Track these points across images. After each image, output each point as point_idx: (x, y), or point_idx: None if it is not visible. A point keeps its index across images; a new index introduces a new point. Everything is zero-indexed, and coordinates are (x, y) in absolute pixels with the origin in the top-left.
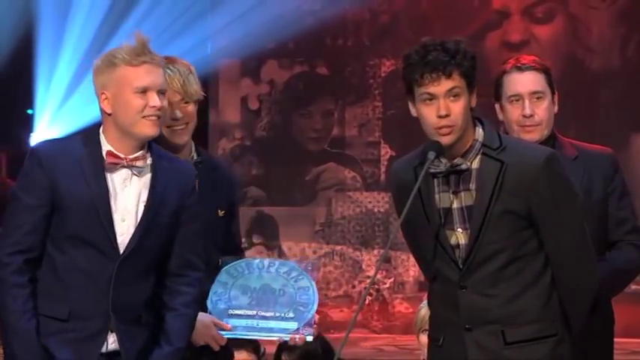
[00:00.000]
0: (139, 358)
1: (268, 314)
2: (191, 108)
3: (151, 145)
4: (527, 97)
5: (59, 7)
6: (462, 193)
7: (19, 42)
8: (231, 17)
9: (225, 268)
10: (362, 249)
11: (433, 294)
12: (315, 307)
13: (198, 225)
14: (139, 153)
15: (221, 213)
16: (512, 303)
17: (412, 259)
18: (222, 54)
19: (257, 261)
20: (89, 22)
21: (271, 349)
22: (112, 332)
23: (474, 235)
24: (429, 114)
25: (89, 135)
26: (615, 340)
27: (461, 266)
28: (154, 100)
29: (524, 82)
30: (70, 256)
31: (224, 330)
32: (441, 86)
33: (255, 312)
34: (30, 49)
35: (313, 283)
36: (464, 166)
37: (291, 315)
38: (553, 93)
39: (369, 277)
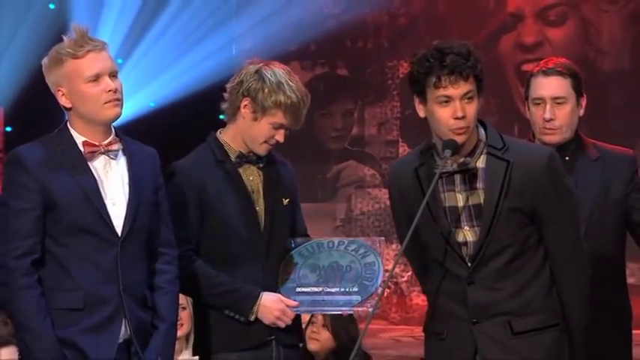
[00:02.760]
0: (146, 344)
1: (334, 289)
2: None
3: (115, 130)
4: (549, 101)
5: (91, 10)
6: (469, 192)
7: (53, 44)
8: (256, 20)
9: (296, 249)
10: None
11: (435, 290)
12: (380, 280)
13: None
14: (111, 138)
15: (285, 202)
16: (517, 295)
17: None
18: (247, 55)
19: (327, 241)
20: (119, 25)
21: None
22: (125, 318)
23: (484, 232)
24: (444, 115)
25: (60, 132)
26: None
27: (469, 263)
28: (108, 84)
29: (547, 86)
30: (71, 249)
31: (291, 306)
32: (460, 89)
33: (321, 289)
34: None
35: (379, 259)
36: (471, 165)
37: (356, 289)
38: (580, 97)
39: (387, 270)
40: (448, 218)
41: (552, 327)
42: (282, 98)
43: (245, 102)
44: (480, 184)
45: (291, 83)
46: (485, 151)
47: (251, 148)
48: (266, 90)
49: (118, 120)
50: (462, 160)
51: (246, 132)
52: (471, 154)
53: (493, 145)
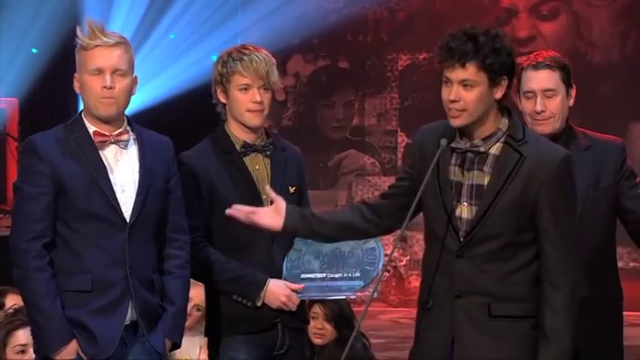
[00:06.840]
0: (153, 326)
1: (337, 275)
2: (269, 96)
3: (129, 120)
4: (540, 93)
5: (102, 6)
6: (475, 172)
7: (65, 40)
8: (260, 15)
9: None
10: None
11: (428, 261)
12: (381, 265)
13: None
14: (122, 128)
15: (292, 190)
16: (502, 281)
17: None
18: None
19: None
20: (128, 21)
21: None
22: (132, 301)
23: (480, 213)
24: (444, 95)
25: (75, 122)
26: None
27: (462, 239)
28: (105, 80)
29: (537, 79)
30: (81, 233)
31: (296, 290)
32: (455, 74)
33: (324, 275)
34: (74, 47)
35: (380, 244)
36: (482, 149)
37: (358, 274)
38: (570, 88)
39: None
40: (452, 191)
41: (531, 318)
42: (231, 62)
43: (218, 90)
44: (487, 168)
45: (239, 50)
46: (503, 140)
47: (244, 123)
48: (219, 67)
49: (129, 111)
50: (474, 141)
51: (232, 112)
52: (487, 139)
53: (513, 136)
